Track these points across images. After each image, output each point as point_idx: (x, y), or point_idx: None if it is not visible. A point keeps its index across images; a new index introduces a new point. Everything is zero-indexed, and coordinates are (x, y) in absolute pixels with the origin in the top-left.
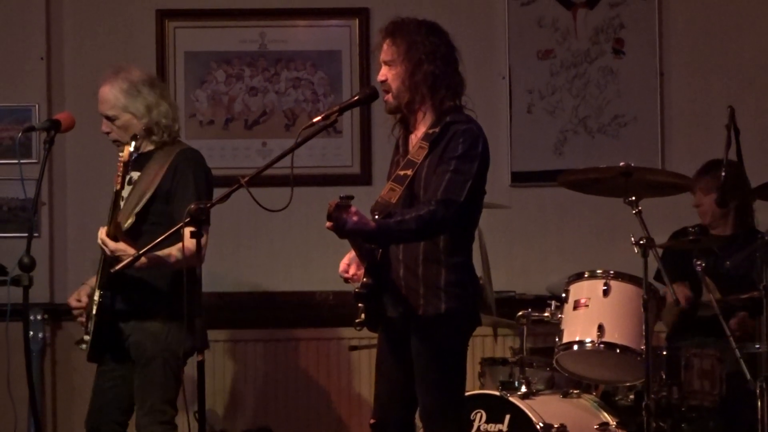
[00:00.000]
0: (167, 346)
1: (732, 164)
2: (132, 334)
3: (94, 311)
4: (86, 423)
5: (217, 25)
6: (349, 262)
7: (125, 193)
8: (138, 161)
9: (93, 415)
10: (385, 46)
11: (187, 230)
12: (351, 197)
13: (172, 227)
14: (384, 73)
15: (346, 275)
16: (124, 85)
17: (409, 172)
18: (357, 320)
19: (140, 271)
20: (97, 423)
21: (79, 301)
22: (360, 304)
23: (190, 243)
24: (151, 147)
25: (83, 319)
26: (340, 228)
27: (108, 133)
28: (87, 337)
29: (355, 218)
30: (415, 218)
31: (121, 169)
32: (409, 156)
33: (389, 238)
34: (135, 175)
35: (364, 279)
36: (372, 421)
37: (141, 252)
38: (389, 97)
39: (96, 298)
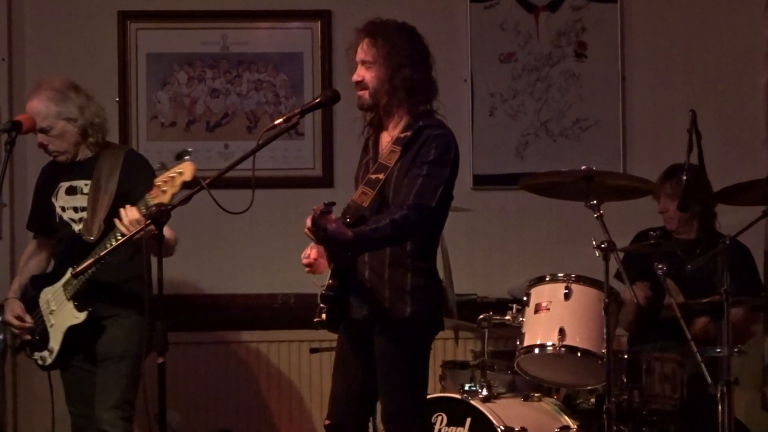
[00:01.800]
0: (137, 346)
1: (693, 168)
2: (105, 331)
3: (50, 321)
4: (74, 430)
5: (179, 26)
6: (309, 251)
7: (77, 202)
8: (82, 170)
9: (80, 421)
10: (364, 46)
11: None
12: (333, 203)
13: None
14: (361, 74)
15: (306, 260)
16: (51, 93)
17: (381, 176)
18: (316, 319)
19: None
20: (87, 427)
21: (20, 319)
22: (321, 305)
23: (169, 232)
24: (88, 153)
25: (29, 336)
26: (320, 234)
27: (45, 146)
28: (54, 345)
29: (334, 225)
30: (389, 224)
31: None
32: (380, 160)
33: (366, 246)
34: (82, 183)
35: (330, 281)
36: (327, 422)
37: (102, 254)
38: (365, 94)
39: (57, 310)
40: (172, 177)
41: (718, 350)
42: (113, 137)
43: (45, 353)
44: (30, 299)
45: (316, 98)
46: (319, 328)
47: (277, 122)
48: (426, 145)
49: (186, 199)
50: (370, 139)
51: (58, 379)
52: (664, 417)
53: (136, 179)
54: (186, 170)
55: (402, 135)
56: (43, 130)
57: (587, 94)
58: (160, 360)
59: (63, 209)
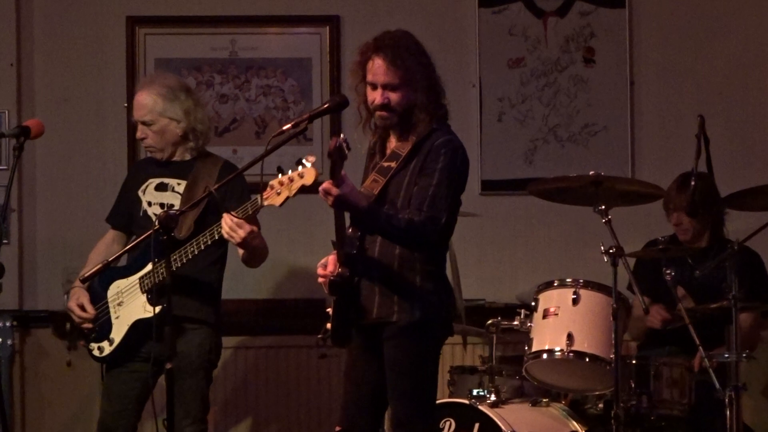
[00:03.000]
0: (209, 357)
1: (703, 176)
2: (180, 342)
3: (116, 313)
4: (100, 426)
5: (188, 32)
6: (326, 262)
7: (166, 199)
8: (177, 170)
9: (109, 419)
10: (384, 68)
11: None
12: (348, 147)
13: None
14: (387, 96)
15: (322, 271)
16: (162, 90)
17: (393, 164)
18: (320, 335)
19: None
20: (113, 427)
21: (83, 308)
22: (328, 310)
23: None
24: (187, 156)
25: (89, 325)
26: (335, 188)
27: (143, 140)
28: (115, 337)
29: (348, 189)
30: (408, 221)
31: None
32: (394, 148)
33: (373, 224)
34: (174, 182)
35: (340, 269)
36: (338, 428)
37: (110, 260)
38: (392, 115)
39: (140, 304)
40: (291, 180)
41: (726, 355)
42: (121, 142)
43: (104, 343)
44: (96, 290)
45: (325, 104)
46: (324, 342)
47: (285, 128)
48: (434, 151)
49: (194, 205)
50: (377, 144)
51: (60, 381)
52: (673, 422)
53: (229, 190)
54: (307, 175)
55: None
56: (144, 123)
57: (595, 100)
58: (168, 365)
59: (149, 204)
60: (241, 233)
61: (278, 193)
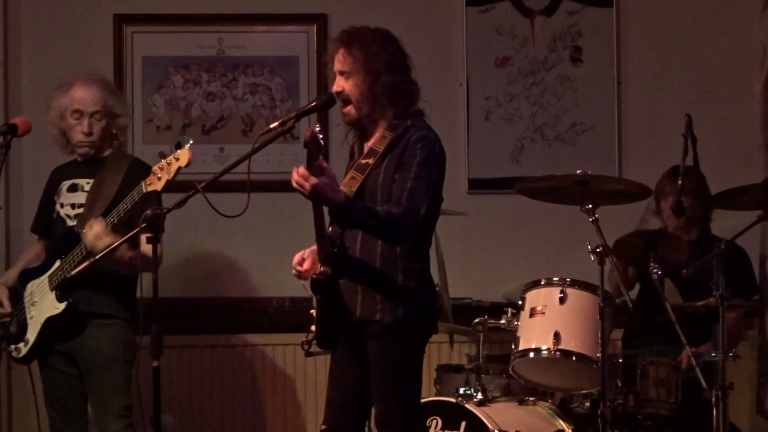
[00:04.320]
0: (125, 350)
1: (695, 168)
2: (89, 338)
3: (30, 313)
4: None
5: (175, 30)
6: (304, 256)
7: (76, 199)
8: (86, 168)
9: (59, 423)
10: (340, 56)
11: (144, 236)
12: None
13: (129, 232)
14: (341, 84)
15: (299, 267)
16: (106, 86)
17: (371, 161)
18: (305, 339)
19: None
20: (65, 430)
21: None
22: (312, 311)
23: (147, 248)
24: (106, 153)
25: (8, 319)
26: (313, 178)
27: (89, 135)
28: (30, 336)
29: (328, 180)
30: (386, 212)
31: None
32: (371, 145)
33: (352, 217)
34: (84, 182)
35: (322, 267)
36: (323, 427)
37: (96, 257)
38: (350, 109)
39: (48, 299)
40: (169, 163)
41: (713, 354)
42: None
43: (20, 344)
44: (19, 293)
45: (312, 102)
46: (308, 347)
47: (272, 126)
48: (411, 146)
49: (181, 203)
50: (355, 144)
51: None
52: (659, 421)
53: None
54: (182, 157)
55: (393, 123)
56: (94, 115)
57: (583, 99)
58: (155, 363)
59: (62, 206)
60: (100, 245)
61: (159, 178)
